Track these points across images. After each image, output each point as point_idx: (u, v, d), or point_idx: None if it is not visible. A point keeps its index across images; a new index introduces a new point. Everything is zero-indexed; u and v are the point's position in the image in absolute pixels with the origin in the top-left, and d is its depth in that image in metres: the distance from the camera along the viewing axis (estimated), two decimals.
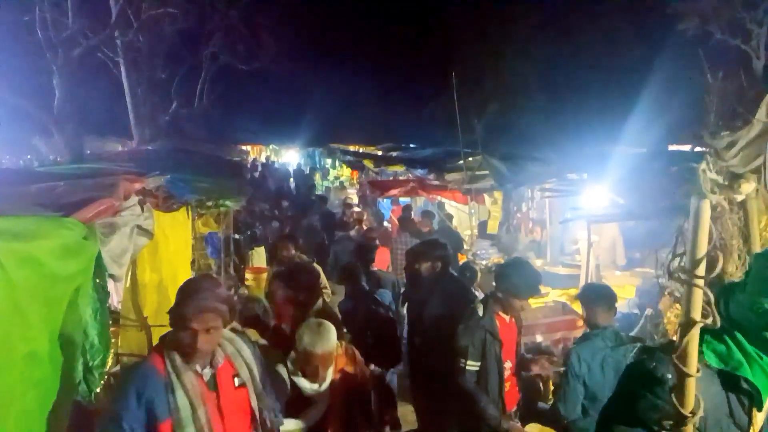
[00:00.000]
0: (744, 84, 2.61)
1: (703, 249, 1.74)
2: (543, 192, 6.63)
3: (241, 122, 19.01)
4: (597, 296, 3.38)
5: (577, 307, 5.56)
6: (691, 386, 1.58)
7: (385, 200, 11.36)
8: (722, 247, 2.70)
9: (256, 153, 22.18)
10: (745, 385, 1.64)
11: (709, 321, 1.60)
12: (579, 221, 4.92)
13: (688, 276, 1.64)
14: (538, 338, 5.12)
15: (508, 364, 3.51)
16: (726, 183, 2.68)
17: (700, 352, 1.66)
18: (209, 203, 5.41)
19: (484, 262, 6.23)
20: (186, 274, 5.50)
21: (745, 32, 10.96)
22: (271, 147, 22.79)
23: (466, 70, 13.35)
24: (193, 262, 6.29)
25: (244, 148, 19.92)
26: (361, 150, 17.38)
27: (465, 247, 7.53)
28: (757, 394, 1.65)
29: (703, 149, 2.95)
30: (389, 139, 17.17)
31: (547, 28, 15.55)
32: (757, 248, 2.60)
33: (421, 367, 4.09)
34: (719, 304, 1.78)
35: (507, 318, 3.51)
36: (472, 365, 3.34)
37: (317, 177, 18.54)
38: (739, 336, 1.68)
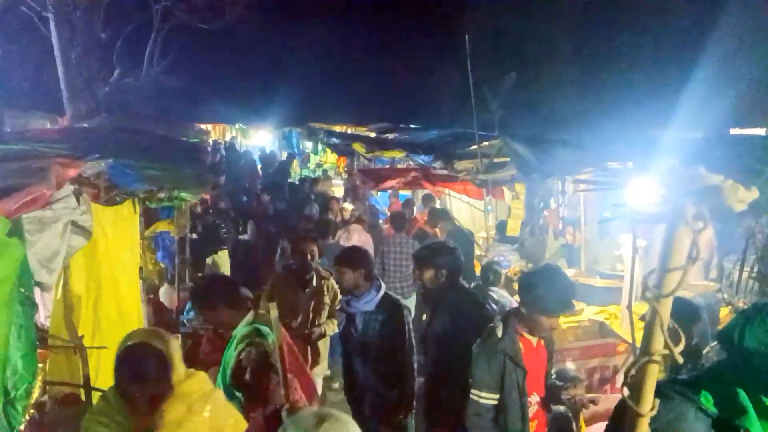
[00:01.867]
0: None
1: (678, 260, 1.69)
2: (577, 185, 6.63)
3: (199, 95, 18.90)
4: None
5: (617, 329, 5.59)
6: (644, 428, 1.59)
7: (379, 194, 11.34)
8: None
9: (218, 134, 22.12)
10: None
11: (669, 350, 1.58)
12: (622, 221, 4.90)
13: (654, 294, 1.61)
14: (569, 365, 5.13)
15: (534, 398, 3.50)
16: None
17: (695, 392, 1.66)
18: (161, 195, 5.36)
19: (503, 271, 6.23)
20: (131, 283, 5.47)
21: None
22: (237, 127, 22.72)
23: (481, 33, 13.31)
24: (141, 268, 6.25)
25: (204, 127, 19.81)
26: (349, 131, 17.33)
27: (478, 252, 7.53)
28: None
29: None
30: (385, 118, 17.09)
31: None
32: None
33: (428, 406, 4.07)
34: (734, 331, 1.75)
35: (534, 340, 3.48)
36: (488, 398, 3.32)
37: (295, 164, 18.48)
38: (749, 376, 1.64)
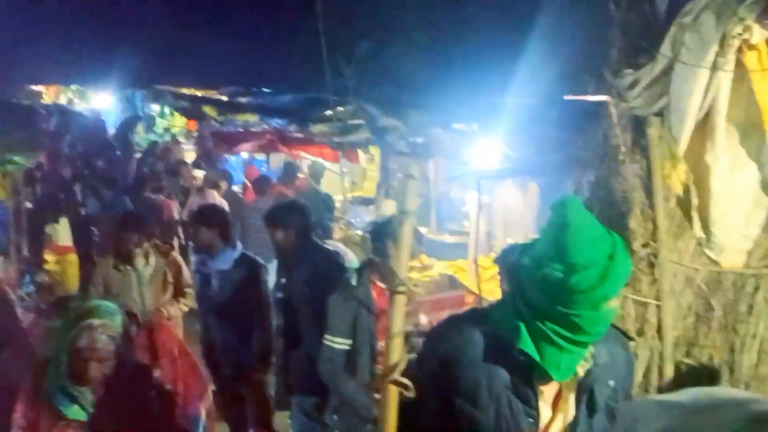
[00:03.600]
0: (649, 17, 2.92)
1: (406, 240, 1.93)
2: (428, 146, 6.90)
3: (29, 53, 17.30)
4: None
5: (465, 281, 5.94)
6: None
7: (234, 158, 11.13)
8: (623, 201, 3.04)
9: (53, 96, 20.44)
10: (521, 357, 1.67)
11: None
12: (468, 180, 5.20)
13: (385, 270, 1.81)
14: (422, 318, 5.40)
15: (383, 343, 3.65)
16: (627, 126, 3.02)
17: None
18: None
19: (359, 232, 6.39)
20: None
21: None
22: (74, 88, 21.08)
23: None
24: None
25: (36, 89, 18.22)
26: (199, 95, 16.68)
27: (336, 214, 7.65)
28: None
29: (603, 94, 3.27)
30: (235, 81, 16.63)
31: None
32: (659, 201, 2.96)
33: (287, 362, 4.14)
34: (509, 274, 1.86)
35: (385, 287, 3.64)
36: (341, 343, 3.43)
37: (139, 128, 17.54)
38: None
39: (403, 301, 1.92)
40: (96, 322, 2.50)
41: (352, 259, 5.61)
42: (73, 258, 7.81)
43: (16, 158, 5.66)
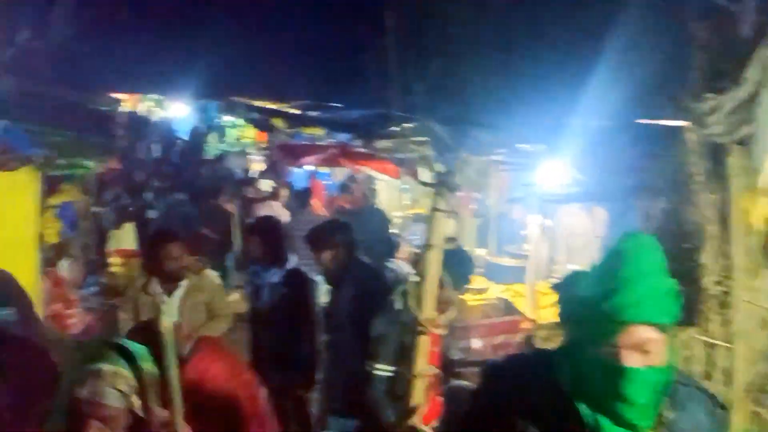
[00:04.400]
0: (733, 38, 2.70)
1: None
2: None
3: (114, 62, 18.03)
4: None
5: (522, 306, 5.72)
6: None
7: (299, 170, 11.19)
8: (696, 234, 2.81)
9: (132, 104, 21.20)
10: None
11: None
12: (530, 202, 5.00)
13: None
14: (475, 343, 5.22)
15: (430, 370, 3.49)
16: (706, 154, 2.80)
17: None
18: (60, 161, 5.07)
19: (418, 250, 6.25)
20: (29, 255, 5.18)
21: None
22: (153, 97, 21.85)
23: (406, 15, 13.24)
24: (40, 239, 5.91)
25: (116, 96, 18.90)
26: (270, 107, 16.96)
27: (395, 231, 7.54)
28: None
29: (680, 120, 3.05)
30: (307, 95, 16.84)
31: None
32: (737, 235, 2.72)
33: (331, 381, 4.04)
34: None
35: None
36: (385, 370, 3.31)
37: (212, 138, 17.98)
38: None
39: (427, 341, 1.80)
40: (106, 368, 1.91)
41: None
42: (137, 262, 7.97)
43: (87, 162, 5.78)
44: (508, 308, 5.50)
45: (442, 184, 2.02)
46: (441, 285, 3.34)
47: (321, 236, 4.04)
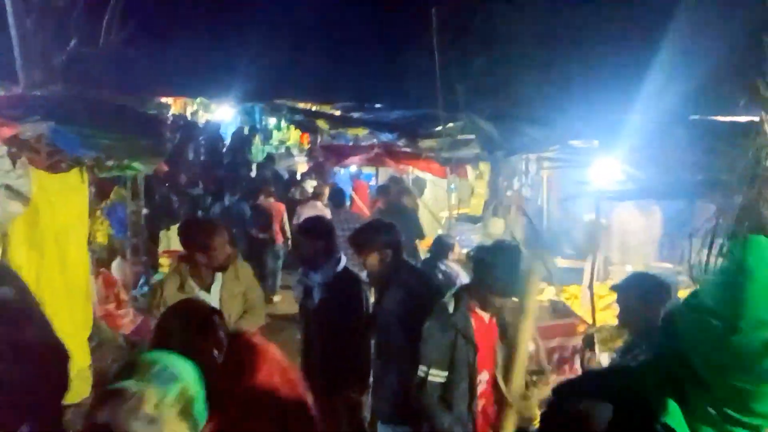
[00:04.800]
0: None
1: None
2: (540, 163, 6.55)
3: (161, 67, 18.32)
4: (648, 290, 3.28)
5: (577, 309, 5.53)
6: None
7: (342, 170, 11.15)
8: None
9: (179, 107, 21.54)
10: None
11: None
12: (585, 200, 4.81)
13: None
14: (530, 345, 5.05)
15: (484, 376, 3.36)
16: None
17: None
18: (109, 163, 5.07)
19: (464, 251, 6.11)
20: (80, 255, 5.20)
21: None
22: (199, 100, 22.16)
23: (448, 13, 13.11)
24: (90, 240, 5.97)
25: (164, 101, 19.20)
26: (313, 109, 17.01)
27: (440, 231, 7.40)
28: None
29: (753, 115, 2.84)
30: (349, 96, 16.83)
31: None
32: None
33: (380, 385, 3.92)
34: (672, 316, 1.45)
35: (486, 317, 3.35)
36: (436, 375, 3.18)
37: (257, 140, 18.11)
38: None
39: (514, 419, 1.64)
40: (132, 389, 1.62)
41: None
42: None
43: (135, 164, 5.79)
44: (564, 310, 5.31)
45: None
46: (491, 290, 3.21)
47: (366, 238, 3.92)
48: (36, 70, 12.83)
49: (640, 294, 3.24)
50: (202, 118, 21.87)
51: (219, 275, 4.11)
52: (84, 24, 15.20)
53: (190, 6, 16.52)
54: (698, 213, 7.24)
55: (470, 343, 3.18)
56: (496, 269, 3.14)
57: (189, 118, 20.79)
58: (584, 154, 4.68)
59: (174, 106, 21.01)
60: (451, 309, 3.21)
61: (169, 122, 17.42)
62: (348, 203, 8.87)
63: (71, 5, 14.63)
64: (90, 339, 5.25)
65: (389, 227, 3.96)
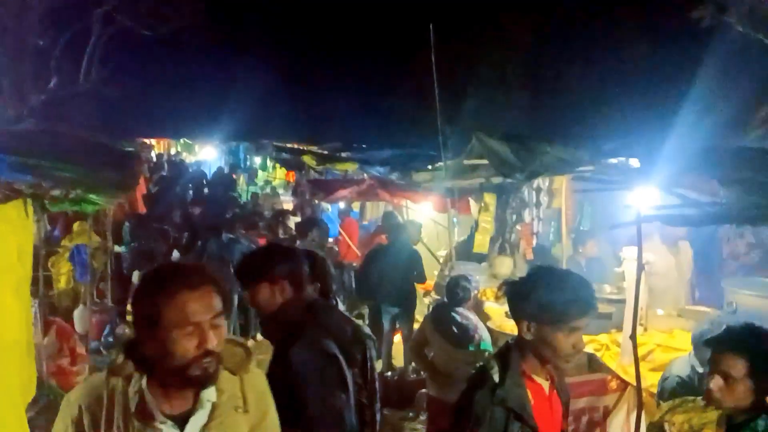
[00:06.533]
0: None
1: None
2: (552, 194, 5.72)
3: (142, 108, 17.57)
4: None
5: (609, 362, 4.60)
6: None
7: (330, 208, 10.28)
8: None
9: (162, 148, 20.78)
10: None
11: None
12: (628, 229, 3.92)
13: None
14: None
15: None
16: None
17: None
18: (55, 192, 4.14)
19: (472, 288, 5.20)
20: (19, 303, 4.26)
21: None
22: (182, 141, 21.38)
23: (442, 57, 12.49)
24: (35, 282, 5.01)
25: (146, 141, 18.47)
26: (300, 148, 16.31)
27: (445, 271, 6.50)
28: None
29: None
30: (336, 137, 16.18)
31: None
32: None
33: None
34: None
35: (545, 385, 2.36)
36: None
37: (241, 180, 17.31)
38: None
39: None
40: None
41: (486, 337, 4.41)
42: None
43: (92, 196, 4.87)
44: (594, 364, 4.39)
45: None
46: (543, 320, 2.26)
47: (252, 266, 2.75)
48: (9, 108, 12.14)
49: (759, 353, 2.32)
50: (187, 159, 21.15)
51: (205, 395, 1.93)
52: (65, 63, 14.59)
53: (172, 44, 15.90)
54: (725, 246, 6.48)
55: (528, 425, 2.19)
56: (546, 294, 2.20)
57: (172, 158, 20.01)
58: (625, 173, 3.81)
59: (157, 146, 20.30)
60: (496, 377, 2.23)
61: (152, 163, 16.70)
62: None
63: (52, 45, 14.02)
64: (35, 401, 4.41)
65: (288, 253, 2.86)
